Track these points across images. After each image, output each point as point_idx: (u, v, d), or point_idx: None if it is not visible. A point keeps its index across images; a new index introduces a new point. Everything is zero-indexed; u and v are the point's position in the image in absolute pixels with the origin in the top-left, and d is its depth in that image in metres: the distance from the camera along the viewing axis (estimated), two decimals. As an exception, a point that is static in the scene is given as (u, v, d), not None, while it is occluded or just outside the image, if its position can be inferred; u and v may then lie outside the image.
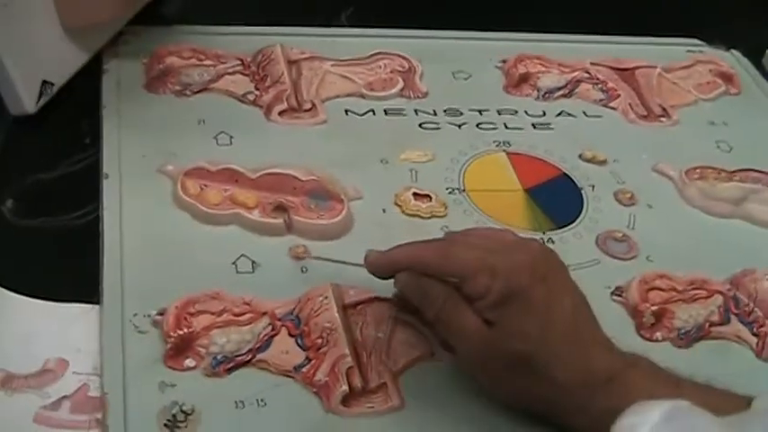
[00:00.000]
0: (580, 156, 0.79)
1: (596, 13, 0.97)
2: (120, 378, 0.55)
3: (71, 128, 0.74)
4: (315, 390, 0.57)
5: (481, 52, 0.89)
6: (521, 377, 0.54)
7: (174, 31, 0.83)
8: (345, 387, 0.56)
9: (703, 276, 0.69)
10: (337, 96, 0.80)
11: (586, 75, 0.88)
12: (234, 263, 0.64)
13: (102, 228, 0.65)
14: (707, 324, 0.66)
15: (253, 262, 0.64)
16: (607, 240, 0.71)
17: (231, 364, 0.57)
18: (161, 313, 0.59)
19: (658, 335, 0.65)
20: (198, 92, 0.78)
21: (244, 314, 0.60)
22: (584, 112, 0.84)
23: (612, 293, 0.67)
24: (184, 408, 0.54)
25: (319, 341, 0.59)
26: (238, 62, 0.81)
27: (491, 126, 0.80)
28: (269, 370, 0.58)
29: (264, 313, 0.60)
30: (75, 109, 0.75)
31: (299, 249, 0.65)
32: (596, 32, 0.94)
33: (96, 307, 0.60)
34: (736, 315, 0.67)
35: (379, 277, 0.60)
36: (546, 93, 0.85)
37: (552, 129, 0.81)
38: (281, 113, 0.77)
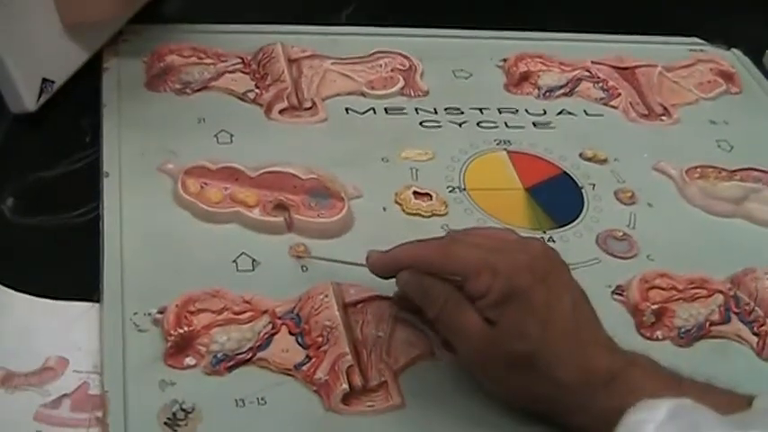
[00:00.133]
0: (581, 155, 0.79)
1: (597, 12, 0.97)
2: (120, 376, 0.55)
3: (71, 126, 0.74)
4: (315, 388, 0.57)
5: (482, 51, 0.89)
6: (522, 376, 0.54)
7: (175, 30, 0.83)
8: (346, 385, 0.56)
9: (704, 275, 0.69)
10: (338, 95, 0.80)
11: (587, 73, 0.88)
12: (234, 261, 0.64)
13: (102, 226, 0.65)
14: (707, 323, 0.66)
15: (253, 260, 0.64)
16: (607, 239, 0.71)
17: (231, 363, 0.57)
18: (161, 311, 0.59)
19: (659, 334, 0.65)
20: (198, 90, 0.78)
21: (244, 312, 0.60)
22: (584, 111, 0.84)
23: (613, 292, 0.67)
24: (185, 406, 0.54)
25: (320, 339, 0.59)
26: (239, 60, 0.81)
27: (492, 125, 0.80)
28: (269, 368, 0.58)
29: (265, 311, 0.60)
30: (76, 107, 0.75)
31: (299, 248, 0.65)
32: (597, 31, 0.94)
33: (96, 305, 0.60)
34: (736, 314, 0.67)
35: (380, 277, 0.60)
36: (547, 91, 0.85)
37: (553, 127, 0.81)
38: (281, 112, 0.77)
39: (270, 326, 0.59)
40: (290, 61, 0.81)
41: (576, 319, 0.55)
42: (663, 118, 0.85)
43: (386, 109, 0.80)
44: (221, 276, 0.62)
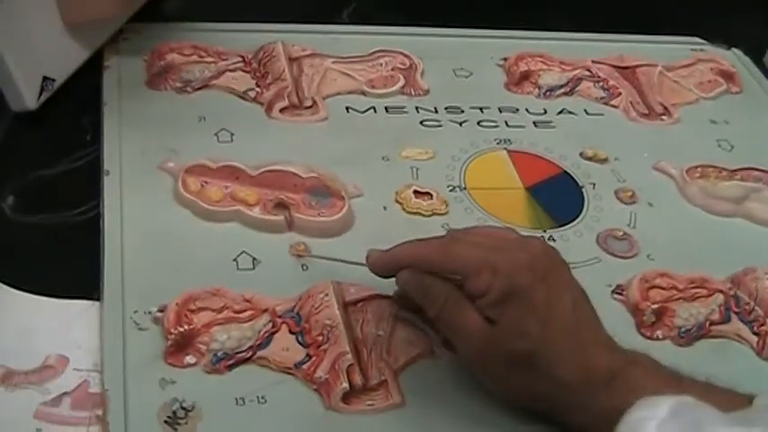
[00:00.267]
0: (581, 154, 0.79)
1: (598, 11, 0.97)
2: (120, 375, 0.55)
3: (72, 124, 0.74)
4: (315, 387, 0.57)
5: (482, 50, 0.89)
6: (522, 375, 0.54)
7: (176, 28, 0.83)
8: (346, 384, 0.56)
9: (704, 275, 0.69)
10: (338, 94, 0.80)
11: (588, 73, 0.88)
12: (234, 260, 0.64)
13: (102, 224, 0.65)
14: (707, 323, 0.66)
15: (253, 259, 0.64)
16: (608, 239, 0.71)
17: (232, 361, 0.57)
18: (161, 310, 0.59)
19: (659, 333, 0.65)
20: (199, 89, 0.78)
21: (244, 311, 0.60)
22: (585, 111, 0.84)
23: (613, 292, 0.67)
24: (185, 404, 0.54)
25: (320, 338, 0.59)
26: (239, 59, 0.81)
27: (492, 124, 0.80)
28: (269, 367, 0.58)
29: (265, 310, 0.60)
30: (77, 105, 0.75)
31: (299, 246, 0.65)
32: (598, 31, 0.94)
33: (97, 303, 0.60)
34: (736, 314, 0.67)
35: (380, 276, 0.60)
36: (547, 91, 0.85)
37: (553, 127, 0.81)
38: (282, 110, 0.77)
39: (270, 324, 0.59)
40: (291, 60, 0.81)
41: (576, 317, 0.55)
42: (663, 117, 0.85)
43: (386, 108, 0.80)
44: (222, 275, 0.62)
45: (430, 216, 0.70)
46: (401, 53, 0.85)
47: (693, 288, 0.68)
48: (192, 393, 0.55)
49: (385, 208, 0.70)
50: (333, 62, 0.83)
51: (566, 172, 0.77)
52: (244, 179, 0.68)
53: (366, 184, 0.71)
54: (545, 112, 0.83)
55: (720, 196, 0.77)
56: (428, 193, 0.72)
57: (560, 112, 0.83)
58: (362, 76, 0.82)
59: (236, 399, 0.55)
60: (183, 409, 0.54)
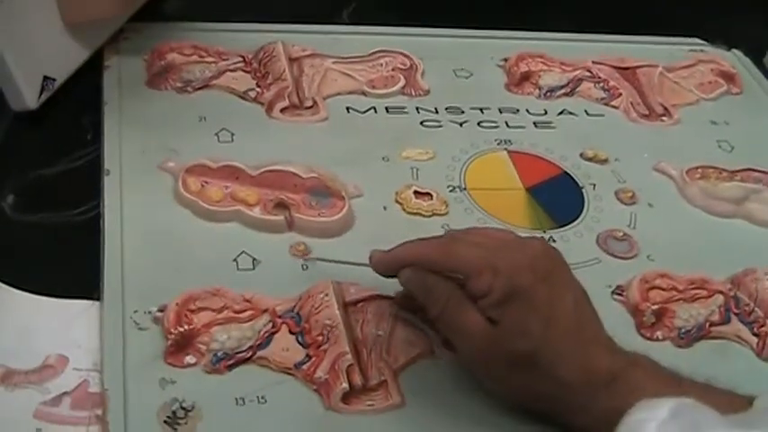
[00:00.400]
0: (581, 155, 0.79)
1: (598, 12, 0.97)
2: (120, 374, 0.55)
3: (72, 124, 0.74)
4: (315, 387, 0.57)
5: (483, 50, 0.89)
6: (523, 375, 0.54)
7: (176, 28, 0.83)
8: (346, 384, 0.56)
9: (704, 276, 0.69)
10: (339, 94, 0.80)
11: (588, 74, 0.88)
12: (235, 260, 0.64)
13: (102, 224, 0.65)
14: (707, 324, 0.66)
15: (253, 259, 0.64)
16: (608, 239, 0.71)
17: (231, 361, 0.57)
18: (161, 310, 0.59)
19: (659, 334, 0.65)
20: (199, 88, 0.78)
21: (244, 311, 0.60)
22: (585, 111, 0.84)
23: (613, 293, 0.67)
24: (185, 404, 0.54)
25: (320, 338, 0.59)
26: (240, 59, 0.81)
27: (492, 124, 0.80)
28: (269, 367, 0.58)
29: (265, 310, 0.60)
30: (77, 105, 0.75)
31: (299, 246, 0.65)
32: (598, 31, 0.94)
33: (97, 303, 0.60)
34: (736, 315, 0.67)
35: (383, 275, 0.60)
36: (547, 91, 0.85)
37: (554, 127, 0.81)
38: (282, 111, 0.77)
39: (270, 325, 0.59)
40: (291, 60, 0.81)
41: (577, 317, 0.55)
42: (663, 118, 0.85)
43: (387, 108, 0.80)
44: (222, 275, 0.62)
45: (430, 216, 0.70)
46: (401, 53, 0.85)
47: (693, 289, 0.68)
48: (191, 393, 0.55)
49: (385, 208, 0.70)
50: (333, 62, 0.83)
51: (566, 172, 0.77)
52: (244, 179, 0.68)
53: (366, 185, 0.71)
54: (545, 112, 0.83)
55: (720, 197, 0.77)
56: (428, 194, 0.72)
57: (561, 113, 0.83)
58: (363, 77, 0.82)
59: (236, 399, 0.55)
60: (183, 408, 0.54)
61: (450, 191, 0.73)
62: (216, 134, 0.74)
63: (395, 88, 0.82)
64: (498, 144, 0.78)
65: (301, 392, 0.57)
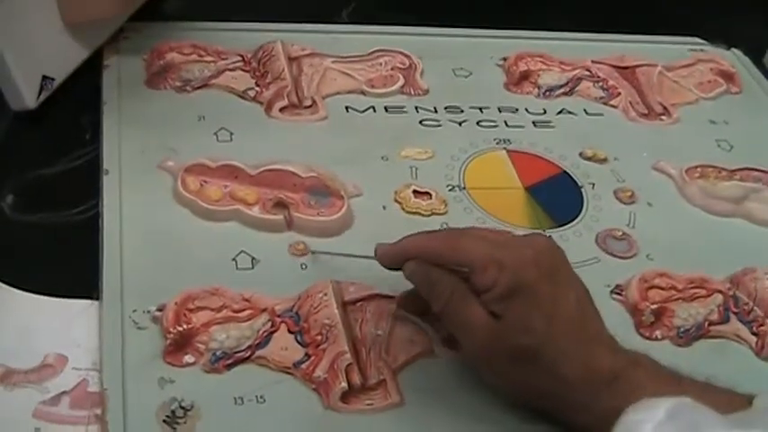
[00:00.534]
0: (580, 154, 0.79)
1: (597, 11, 0.97)
2: (119, 374, 0.55)
3: (71, 123, 0.74)
4: (314, 386, 0.57)
5: (482, 50, 0.89)
6: (525, 371, 0.54)
7: (175, 28, 0.83)
8: (345, 384, 0.56)
9: (703, 275, 0.69)
10: (338, 93, 0.80)
11: (587, 73, 0.88)
12: (234, 259, 0.64)
13: (101, 224, 0.65)
14: (706, 323, 0.66)
15: (252, 258, 0.64)
16: (607, 239, 0.71)
17: (230, 361, 0.57)
18: (160, 309, 0.59)
19: (658, 333, 0.65)
20: (198, 88, 0.78)
21: (243, 310, 0.60)
22: (584, 111, 0.84)
23: (612, 292, 0.67)
24: (183, 404, 0.54)
25: (319, 338, 0.59)
26: (239, 58, 0.81)
27: (491, 124, 0.80)
28: (268, 366, 0.58)
29: (264, 310, 0.60)
30: (76, 105, 0.75)
31: (298, 246, 0.65)
32: (597, 31, 0.94)
33: (96, 303, 0.60)
34: (735, 314, 0.67)
35: (388, 268, 0.59)
36: (547, 91, 0.85)
37: (553, 127, 0.81)
38: (281, 110, 0.77)
39: (269, 324, 0.59)
40: (291, 59, 0.81)
41: (580, 315, 0.55)
42: (663, 117, 0.85)
43: (386, 107, 0.80)
44: (221, 274, 0.62)
45: (429, 216, 0.70)
46: (401, 53, 0.85)
47: (692, 288, 0.68)
48: (190, 393, 0.55)
49: (384, 207, 0.70)
50: (332, 62, 0.83)
51: (565, 172, 0.77)
52: (243, 178, 0.68)
53: (365, 184, 0.71)
54: (544, 111, 0.83)
55: (720, 196, 0.77)
56: (427, 193, 0.72)
57: (560, 112, 0.83)
58: (362, 76, 0.82)
59: (235, 398, 0.55)
60: (182, 408, 0.54)
61: (450, 190, 0.73)
62: (215, 133, 0.74)
63: (394, 87, 0.82)
64: (497, 143, 0.78)
65: (300, 392, 0.57)
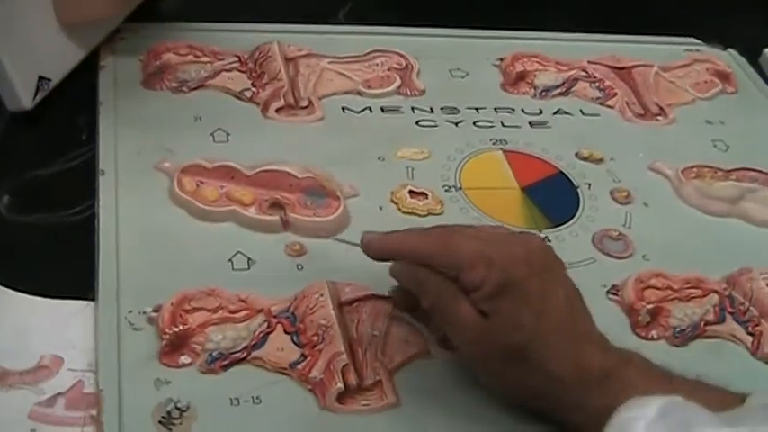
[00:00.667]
0: (576, 154, 0.79)
1: (594, 11, 0.97)
2: (115, 375, 0.55)
3: (68, 124, 0.74)
4: (310, 387, 0.57)
5: (478, 50, 0.89)
6: (517, 370, 0.54)
7: (172, 28, 0.83)
8: (341, 384, 0.56)
9: (699, 275, 0.69)
10: (334, 94, 0.80)
11: (583, 73, 0.88)
12: (230, 260, 0.64)
13: (97, 224, 0.65)
14: (702, 323, 0.66)
15: (248, 259, 0.64)
16: (603, 239, 0.71)
17: (226, 361, 0.57)
18: (156, 310, 0.59)
19: (654, 333, 0.65)
20: (195, 89, 0.78)
21: (239, 311, 0.60)
22: (581, 111, 0.84)
23: (608, 292, 0.67)
24: (179, 405, 0.54)
25: (315, 338, 0.59)
26: (235, 59, 0.81)
27: (488, 124, 0.80)
28: (264, 367, 0.58)
29: (260, 310, 0.60)
30: (72, 105, 0.75)
31: (294, 246, 0.65)
32: (594, 31, 0.94)
33: (92, 304, 0.60)
34: (731, 314, 0.67)
35: (373, 258, 0.59)
36: (543, 91, 0.85)
37: (549, 127, 0.81)
38: (277, 111, 0.77)
39: (265, 324, 0.59)
40: (287, 60, 0.81)
41: (570, 313, 0.55)
42: (659, 118, 0.85)
43: (382, 108, 0.80)
44: (217, 275, 0.62)
45: (425, 216, 0.70)
46: (397, 53, 0.85)
47: (688, 288, 0.68)
48: (186, 393, 0.55)
49: (380, 208, 0.70)
50: (329, 62, 0.83)
51: (561, 172, 0.77)
52: (239, 179, 0.68)
53: (362, 184, 0.71)
54: (541, 112, 0.83)
55: (716, 196, 0.77)
56: (423, 194, 0.72)
57: (556, 113, 0.83)
58: (358, 77, 0.82)
59: (231, 399, 0.55)
60: (178, 409, 0.54)
61: (446, 190, 0.73)
62: (211, 134, 0.74)
63: (390, 88, 0.82)
64: (494, 144, 0.78)
65: (296, 392, 0.57)
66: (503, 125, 0.80)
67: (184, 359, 0.57)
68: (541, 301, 0.54)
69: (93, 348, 0.57)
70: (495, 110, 0.82)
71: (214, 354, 0.57)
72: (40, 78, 0.73)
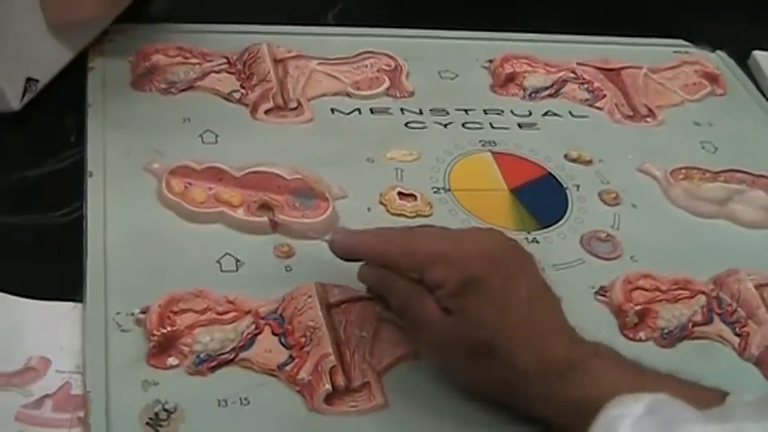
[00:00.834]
0: (565, 155, 0.79)
1: (583, 13, 0.97)
2: (102, 376, 0.55)
3: (56, 125, 0.74)
4: (298, 388, 0.57)
5: (468, 52, 0.89)
6: (483, 364, 0.55)
7: (161, 30, 0.83)
8: (329, 386, 0.56)
9: (687, 276, 0.69)
10: (323, 95, 0.80)
11: (572, 75, 0.88)
12: (218, 261, 0.64)
13: (85, 226, 0.65)
14: (690, 324, 0.66)
15: (237, 260, 0.64)
16: (591, 240, 0.71)
17: (214, 363, 0.57)
18: (144, 311, 0.59)
19: (642, 335, 0.65)
20: (183, 90, 0.78)
21: (227, 313, 0.60)
22: (570, 112, 0.84)
23: (596, 293, 0.67)
24: (167, 406, 0.54)
25: (303, 340, 0.59)
26: (224, 60, 0.81)
27: (477, 126, 0.80)
28: (252, 369, 0.58)
29: (248, 312, 0.60)
30: (61, 107, 0.75)
31: (283, 248, 0.65)
32: (583, 33, 0.94)
33: (79, 305, 0.60)
34: (718, 315, 0.67)
35: (339, 258, 0.60)
36: (532, 92, 0.85)
37: (538, 128, 0.82)
38: (266, 112, 0.77)
39: (253, 326, 0.59)
40: (276, 61, 0.81)
41: (533, 307, 0.55)
42: (648, 119, 0.85)
43: (371, 109, 0.80)
44: (205, 276, 0.62)
45: (414, 218, 0.70)
46: (386, 55, 0.85)
47: (676, 289, 0.68)
48: (174, 395, 0.55)
49: (369, 209, 0.70)
50: (318, 64, 0.83)
51: (550, 174, 0.77)
52: (228, 180, 0.68)
53: (350, 186, 0.71)
54: (530, 113, 0.83)
55: (704, 198, 0.77)
56: (412, 195, 0.72)
57: (545, 114, 0.83)
58: (348, 78, 0.82)
59: (219, 400, 0.55)
60: (166, 410, 0.54)
61: (435, 192, 0.73)
62: (200, 135, 0.74)
63: (379, 89, 0.82)
64: (483, 145, 0.78)
65: (284, 394, 0.57)
66: (492, 127, 0.80)
67: (172, 361, 0.57)
68: (504, 296, 0.54)
69: (80, 350, 0.57)
70: (485, 111, 0.82)
71: (202, 355, 0.57)
72: (28, 79, 0.73)
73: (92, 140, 0.71)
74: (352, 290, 0.62)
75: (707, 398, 0.50)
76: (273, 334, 0.59)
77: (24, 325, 0.59)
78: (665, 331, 0.65)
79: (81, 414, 0.54)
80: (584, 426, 0.45)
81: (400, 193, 0.72)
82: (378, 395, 0.58)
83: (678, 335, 0.65)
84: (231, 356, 0.58)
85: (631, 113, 0.85)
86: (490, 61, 0.88)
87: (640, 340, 0.65)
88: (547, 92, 0.86)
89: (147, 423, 0.53)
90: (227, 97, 0.78)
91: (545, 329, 0.55)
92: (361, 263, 0.60)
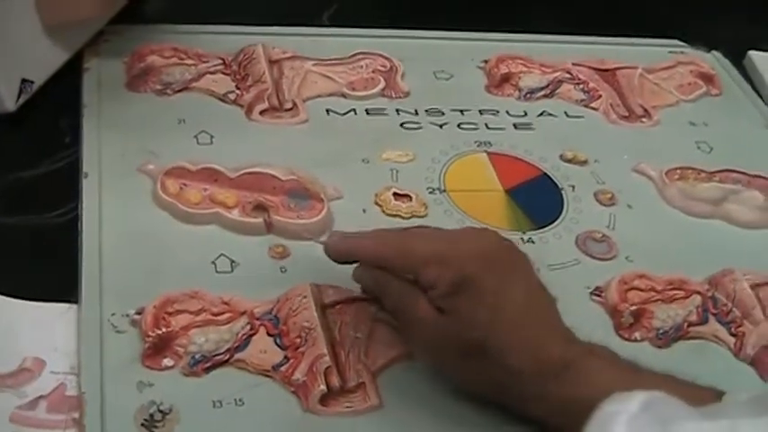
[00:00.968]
0: (561, 156, 0.79)
1: (578, 13, 0.97)
2: (97, 377, 0.55)
3: (51, 126, 0.74)
4: (293, 389, 0.57)
5: (463, 52, 0.89)
6: (476, 364, 0.55)
7: (156, 30, 0.83)
8: (323, 386, 0.56)
9: (682, 276, 0.69)
10: (319, 96, 0.80)
11: (568, 75, 0.88)
12: (213, 262, 0.64)
13: (81, 227, 0.65)
14: (685, 324, 0.66)
15: (232, 261, 0.64)
16: (587, 240, 0.71)
17: (209, 364, 0.57)
18: (139, 312, 0.59)
19: (637, 335, 0.65)
20: (179, 91, 0.77)
21: (222, 313, 0.60)
22: (565, 113, 0.84)
23: (592, 293, 0.67)
24: (162, 407, 0.54)
25: (298, 341, 0.59)
26: (219, 61, 0.81)
27: (472, 126, 0.80)
28: (247, 369, 0.58)
29: (243, 313, 0.60)
30: (56, 107, 0.75)
31: (278, 249, 0.65)
32: (578, 33, 0.94)
33: (74, 306, 0.60)
34: (714, 315, 0.67)
35: (333, 261, 0.60)
36: (527, 93, 0.85)
37: (533, 129, 0.82)
38: (262, 113, 0.77)
39: (248, 327, 0.59)
40: (271, 62, 0.81)
41: (527, 307, 0.55)
42: (643, 120, 0.85)
43: (366, 110, 0.80)
44: (200, 277, 0.62)
45: (409, 218, 0.70)
46: (381, 55, 0.85)
47: (671, 289, 0.68)
48: (169, 396, 0.55)
49: (364, 210, 0.70)
50: (313, 64, 0.83)
51: (545, 174, 0.77)
52: (223, 181, 0.68)
53: (346, 187, 0.71)
54: (525, 114, 0.83)
55: (699, 198, 0.77)
56: (408, 196, 0.72)
57: (540, 115, 0.83)
58: (343, 79, 0.82)
59: (214, 401, 0.55)
60: (161, 411, 0.54)
61: (430, 192, 0.73)
62: (195, 136, 0.74)
63: (375, 90, 0.82)
64: (478, 146, 0.78)
65: (279, 394, 0.57)
66: (487, 127, 0.80)
67: (167, 362, 0.57)
68: (496, 297, 0.54)
69: (75, 351, 0.57)
70: (480, 112, 0.82)
71: (197, 356, 0.57)
72: (23, 81, 0.73)
73: (87, 141, 0.71)
74: (346, 291, 0.62)
75: (703, 397, 0.50)
76: (268, 335, 0.59)
77: (19, 326, 0.59)
78: (661, 331, 0.65)
79: (76, 415, 0.54)
80: (580, 425, 0.45)
81: (395, 194, 0.72)
82: (373, 396, 0.58)
83: (673, 335, 0.65)
84: (226, 357, 0.58)
85: (627, 114, 0.85)
86: (485, 62, 0.88)
87: (636, 340, 0.65)
88: (542, 92, 0.86)
89: (142, 424, 0.53)
90: (223, 98, 0.78)
91: (540, 329, 0.55)
92: (355, 264, 0.60)
